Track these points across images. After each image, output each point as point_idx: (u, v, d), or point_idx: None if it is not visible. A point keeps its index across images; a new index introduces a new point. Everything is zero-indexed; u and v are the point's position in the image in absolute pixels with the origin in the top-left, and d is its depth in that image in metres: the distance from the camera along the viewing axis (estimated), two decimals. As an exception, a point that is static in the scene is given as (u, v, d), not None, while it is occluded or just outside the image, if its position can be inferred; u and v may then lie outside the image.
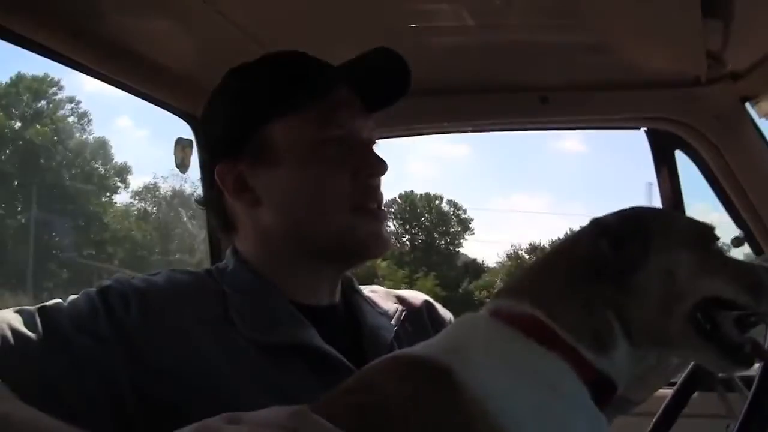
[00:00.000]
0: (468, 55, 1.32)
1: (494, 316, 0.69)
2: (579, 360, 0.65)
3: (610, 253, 0.68)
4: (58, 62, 1.24)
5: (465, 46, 1.29)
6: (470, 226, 30.89)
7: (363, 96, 0.90)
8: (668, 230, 0.73)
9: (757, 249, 1.49)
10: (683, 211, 1.55)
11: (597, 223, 0.73)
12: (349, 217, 0.85)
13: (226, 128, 0.90)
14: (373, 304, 0.96)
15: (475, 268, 29.54)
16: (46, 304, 0.75)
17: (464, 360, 0.63)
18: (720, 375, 1.13)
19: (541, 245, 25.99)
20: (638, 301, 0.68)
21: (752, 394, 0.83)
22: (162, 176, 24.11)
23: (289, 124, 0.85)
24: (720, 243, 0.76)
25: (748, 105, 1.41)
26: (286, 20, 1.20)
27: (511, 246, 30.30)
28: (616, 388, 0.68)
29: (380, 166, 0.88)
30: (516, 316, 0.67)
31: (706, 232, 0.75)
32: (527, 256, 26.86)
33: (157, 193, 24.80)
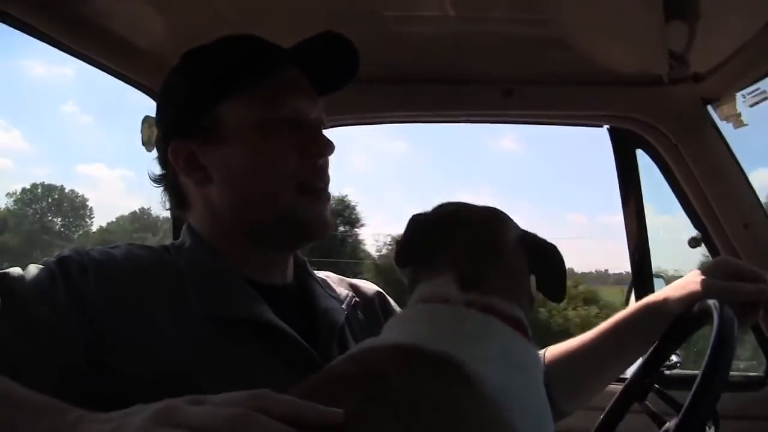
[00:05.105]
0: (433, 44, 1.32)
1: (487, 311, 0.71)
2: None
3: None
4: (22, 32, 1.24)
5: (431, 36, 1.29)
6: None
7: (312, 78, 0.91)
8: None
9: (713, 250, 1.51)
10: (642, 208, 1.57)
11: (508, 222, 0.82)
12: (293, 197, 0.87)
13: (179, 109, 0.91)
14: (325, 287, 0.97)
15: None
16: (4, 270, 0.75)
17: (475, 357, 0.64)
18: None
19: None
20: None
21: (691, 396, 0.83)
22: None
23: (237, 105, 0.87)
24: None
25: (709, 108, 1.43)
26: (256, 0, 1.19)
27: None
28: None
29: (326, 147, 0.90)
30: (507, 315, 0.72)
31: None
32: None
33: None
